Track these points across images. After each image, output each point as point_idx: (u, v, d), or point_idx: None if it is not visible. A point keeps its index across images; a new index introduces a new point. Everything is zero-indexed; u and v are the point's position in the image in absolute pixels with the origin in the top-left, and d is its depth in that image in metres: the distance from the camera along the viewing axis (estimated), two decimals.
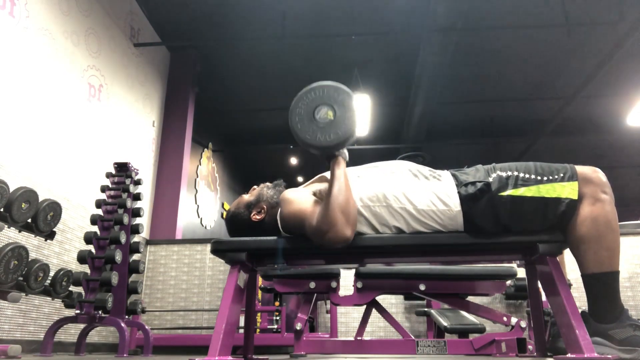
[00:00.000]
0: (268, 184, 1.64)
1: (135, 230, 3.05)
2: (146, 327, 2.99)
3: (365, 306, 2.46)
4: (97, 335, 3.76)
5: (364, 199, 1.39)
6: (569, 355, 1.17)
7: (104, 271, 2.71)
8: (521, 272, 2.18)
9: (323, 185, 1.45)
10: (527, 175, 1.34)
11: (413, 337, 2.24)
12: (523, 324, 2.02)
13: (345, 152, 1.41)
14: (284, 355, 2.97)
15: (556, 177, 1.32)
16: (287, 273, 2.09)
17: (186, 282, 4.43)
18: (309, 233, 1.34)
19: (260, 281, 3.03)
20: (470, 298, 2.23)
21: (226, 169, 8.12)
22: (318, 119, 1.31)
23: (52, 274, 2.54)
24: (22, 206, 2.23)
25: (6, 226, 2.17)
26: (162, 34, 5.34)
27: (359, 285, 2.12)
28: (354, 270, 2.14)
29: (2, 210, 2.16)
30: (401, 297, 4.13)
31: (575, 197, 1.29)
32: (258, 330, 3.74)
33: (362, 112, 5.86)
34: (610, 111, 6.97)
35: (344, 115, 1.30)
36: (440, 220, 1.36)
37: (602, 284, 1.26)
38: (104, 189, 3.00)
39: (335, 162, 1.36)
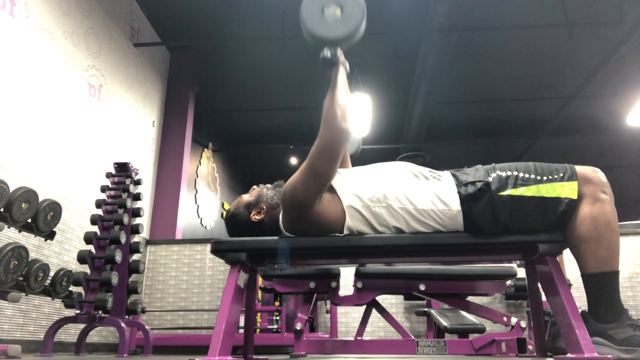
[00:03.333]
0: (268, 184, 1.64)
1: (135, 230, 3.05)
2: (146, 327, 2.99)
3: (365, 306, 2.46)
4: (97, 335, 3.76)
5: (364, 199, 1.39)
6: (569, 355, 1.17)
7: (104, 271, 2.71)
8: (521, 272, 2.18)
9: None
10: (526, 175, 1.34)
11: (413, 337, 2.24)
12: (523, 324, 2.02)
13: (347, 64, 1.46)
14: (284, 355, 2.97)
15: (556, 176, 1.32)
16: (287, 273, 2.09)
17: (186, 282, 4.43)
18: (311, 153, 1.36)
19: (260, 281, 3.03)
20: (470, 298, 2.23)
21: (226, 169, 8.12)
22: (326, 15, 1.36)
23: (52, 274, 2.54)
24: (22, 206, 2.23)
25: (6, 226, 2.17)
26: (162, 34, 5.34)
27: (359, 285, 2.12)
28: (354, 270, 2.14)
29: (2, 210, 2.16)
30: (401, 297, 4.13)
31: (574, 196, 1.29)
32: (258, 330, 3.74)
33: (362, 112, 5.86)
34: (610, 111, 6.96)
35: (351, 12, 1.35)
36: (440, 220, 1.36)
37: (602, 283, 1.26)
38: (104, 189, 3.00)
39: (336, 70, 1.43)
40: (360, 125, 6.24)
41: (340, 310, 4.04)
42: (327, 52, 1.41)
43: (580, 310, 1.23)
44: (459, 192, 1.35)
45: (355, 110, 5.76)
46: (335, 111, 1.34)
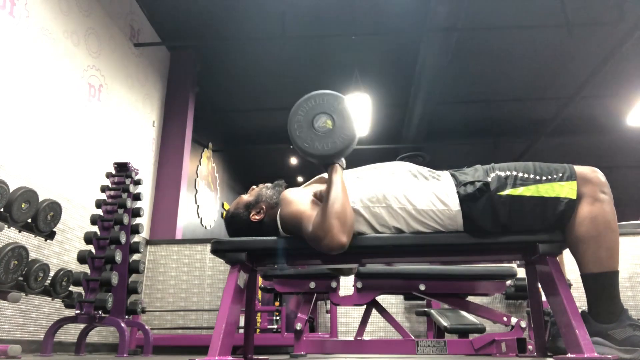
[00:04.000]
0: (268, 184, 1.64)
1: (135, 230, 3.05)
2: (146, 327, 2.99)
3: (365, 306, 2.46)
4: (97, 335, 3.76)
5: (363, 200, 1.39)
6: (569, 355, 1.17)
7: (104, 271, 2.71)
8: (521, 272, 2.18)
9: (323, 186, 1.45)
10: (525, 175, 1.34)
11: (413, 337, 2.24)
12: (523, 324, 2.02)
13: (343, 159, 1.40)
14: (284, 355, 2.97)
15: (555, 176, 1.32)
16: (287, 273, 2.09)
17: (186, 282, 4.43)
18: (305, 237, 1.34)
19: (260, 281, 3.03)
20: (470, 298, 2.23)
21: (226, 169, 8.12)
22: (317, 128, 1.31)
23: (52, 274, 2.54)
24: (22, 206, 2.23)
25: (6, 226, 2.17)
26: (162, 34, 5.34)
27: (359, 285, 2.12)
28: None
29: (2, 210, 2.16)
30: (401, 297, 4.13)
31: (574, 196, 1.29)
32: (258, 330, 3.74)
33: (362, 112, 5.86)
34: (610, 111, 6.96)
35: (342, 124, 1.31)
36: (440, 220, 1.36)
37: (602, 283, 1.26)
38: (104, 189, 3.00)
39: (332, 169, 1.36)
40: (361, 125, 6.25)
41: (340, 310, 4.04)
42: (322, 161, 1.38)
43: (580, 310, 1.23)
44: (458, 192, 1.35)
45: (357, 111, 5.75)
46: (333, 221, 1.25)
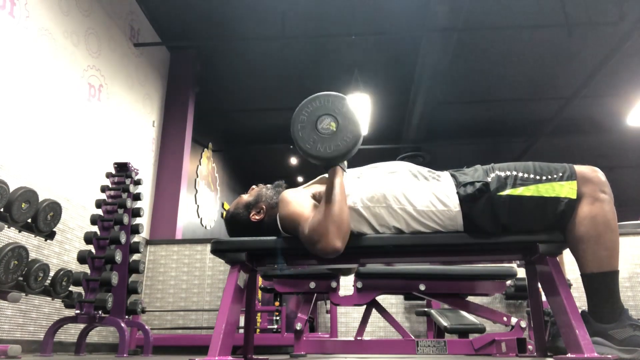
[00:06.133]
0: (268, 184, 1.64)
1: (135, 230, 3.05)
2: (146, 327, 2.99)
3: (365, 306, 2.46)
4: (97, 335, 3.76)
5: (363, 200, 1.39)
6: (569, 355, 1.17)
7: (104, 271, 2.71)
8: (521, 272, 2.18)
9: (323, 187, 1.45)
10: (525, 175, 1.34)
11: (413, 337, 2.24)
12: (523, 324, 2.02)
13: (345, 162, 1.39)
14: (284, 355, 2.97)
15: (555, 176, 1.32)
16: (287, 273, 2.09)
17: (186, 282, 4.43)
18: (301, 238, 1.34)
19: (260, 281, 3.03)
20: (470, 298, 2.23)
21: (226, 169, 8.12)
22: (320, 129, 1.30)
23: (52, 274, 2.54)
24: (22, 206, 2.23)
25: (6, 226, 2.17)
26: (162, 34, 5.34)
27: (359, 285, 2.12)
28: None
29: (2, 210, 2.16)
30: (401, 297, 4.13)
31: (574, 196, 1.29)
32: (258, 330, 3.74)
33: (362, 112, 5.86)
34: (610, 111, 6.96)
35: (346, 127, 1.29)
36: (440, 220, 1.36)
37: (602, 283, 1.26)
38: (104, 189, 3.00)
39: (333, 172, 1.34)
40: (363, 126, 6.24)
41: (340, 310, 4.04)
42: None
43: (580, 310, 1.23)
44: (458, 193, 1.35)
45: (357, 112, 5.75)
46: (329, 226, 1.25)
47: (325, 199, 1.30)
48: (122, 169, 3.11)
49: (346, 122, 1.29)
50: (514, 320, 2.05)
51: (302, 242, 1.33)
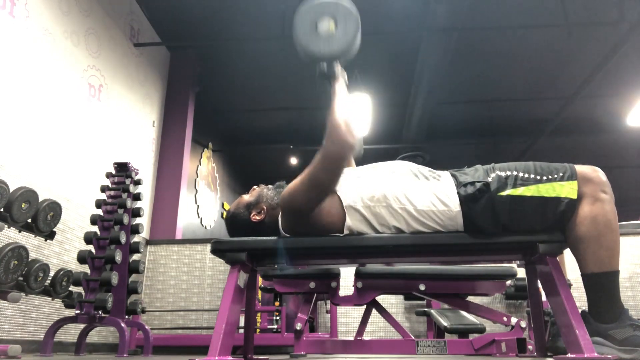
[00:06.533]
0: (269, 185, 1.64)
1: (135, 230, 3.05)
2: (146, 327, 2.99)
3: (365, 306, 2.46)
4: (97, 335, 3.76)
5: (364, 199, 1.39)
6: (569, 355, 1.17)
7: (104, 271, 2.71)
8: (521, 272, 2.18)
9: None
10: (526, 175, 1.34)
11: (413, 337, 2.24)
12: (523, 324, 2.02)
13: (345, 74, 1.44)
14: (284, 355, 2.97)
15: (555, 176, 1.32)
16: (287, 273, 2.09)
17: (186, 282, 4.43)
18: (313, 171, 1.34)
19: (260, 281, 3.03)
20: (470, 298, 2.23)
21: (226, 169, 8.12)
22: (320, 31, 1.34)
23: (52, 274, 2.54)
24: (22, 206, 2.23)
25: (6, 226, 2.17)
26: (162, 34, 5.34)
27: (359, 285, 2.12)
28: (354, 270, 2.14)
29: (2, 210, 2.16)
30: (401, 297, 4.13)
31: (574, 196, 1.29)
32: (258, 330, 3.74)
33: (362, 112, 5.86)
34: (610, 111, 6.96)
35: (345, 29, 1.33)
36: (440, 220, 1.36)
37: (602, 283, 1.26)
38: (104, 189, 3.00)
39: (335, 82, 1.40)
40: (361, 125, 6.25)
41: (340, 310, 4.04)
42: (324, 67, 1.40)
43: (580, 310, 1.23)
44: (458, 193, 1.35)
45: (357, 115, 5.75)
46: (339, 124, 1.30)
47: (332, 105, 1.35)
48: (122, 169, 3.11)
49: (345, 24, 1.33)
50: (514, 320, 2.04)
51: (314, 164, 1.33)
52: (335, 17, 1.33)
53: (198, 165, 6.70)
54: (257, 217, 1.54)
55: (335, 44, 1.33)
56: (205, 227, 6.86)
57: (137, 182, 3.12)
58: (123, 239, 2.80)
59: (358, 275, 2.12)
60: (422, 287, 2.05)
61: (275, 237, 1.44)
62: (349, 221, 1.39)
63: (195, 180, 6.54)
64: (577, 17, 4.91)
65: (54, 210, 2.46)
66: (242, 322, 2.49)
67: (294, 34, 1.35)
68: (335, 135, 1.30)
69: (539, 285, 1.45)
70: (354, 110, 1.33)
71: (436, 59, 5.25)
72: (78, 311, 2.61)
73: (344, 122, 1.31)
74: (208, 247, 4.45)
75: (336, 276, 2.09)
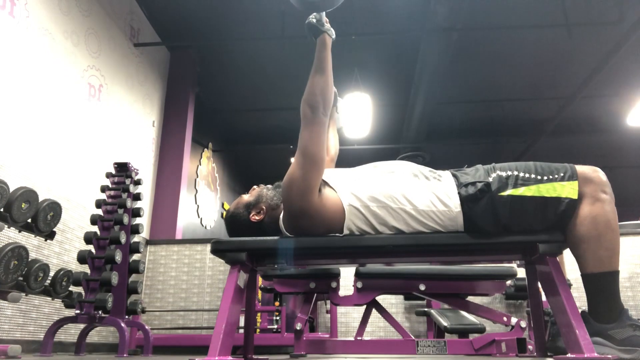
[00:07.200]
0: (268, 185, 1.64)
1: (135, 230, 3.05)
2: (146, 327, 2.99)
3: (365, 306, 2.46)
4: (97, 335, 3.76)
5: (363, 199, 1.39)
6: (569, 355, 1.17)
7: (104, 271, 2.71)
8: (521, 272, 2.18)
9: None
10: (527, 175, 1.34)
11: (413, 337, 2.24)
12: (523, 324, 2.02)
13: (333, 31, 1.46)
14: (284, 355, 2.97)
15: (556, 176, 1.32)
16: (287, 273, 2.09)
17: (186, 282, 4.43)
18: (299, 145, 1.40)
19: (260, 281, 3.03)
20: (470, 298, 2.23)
21: (226, 169, 8.12)
22: None
23: (52, 274, 2.54)
24: (22, 206, 2.23)
25: (6, 226, 2.17)
26: (162, 34, 5.34)
27: (359, 285, 2.12)
28: (354, 270, 2.14)
29: (2, 210, 2.16)
30: (401, 297, 4.13)
31: (575, 196, 1.29)
32: (258, 330, 3.74)
33: (362, 112, 5.86)
34: (610, 111, 6.96)
35: None
36: (440, 220, 1.36)
37: (602, 283, 1.26)
38: (104, 189, 3.00)
39: (321, 41, 1.44)
40: (361, 126, 6.25)
41: (340, 310, 4.03)
42: (312, 19, 1.44)
43: (580, 310, 1.23)
44: (459, 193, 1.35)
45: (350, 108, 5.75)
46: (317, 100, 1.37)
47: (314, 69, 1.41)
48: (122, 169, 3.11)
49: None
50: (514, 320, 2.05)
51: (302, 141, 1.39)
52: None
53: (198, 165, 6.70)
54: (257, 217, 1.54)
55: None
56: (205, 227, 6.85)
57: (137, 182, 3.12)
58: (123, 239, 2.80)
59: (358, 275, 2.12)
60: (422, 287, 2.06)
61: (275, 237, 1.44)
62: (348, 221, 1.38)
63: (195, 180, 6.54)
64: (577, 17, 4.91)
65: (54, 210, 2.46)
66: (242, 322, 2.49)
67: None
68: (310, 98, 1.38)
69: (539, 285, 1.45)
70: (330, 79, 1.37)
71: (436, 59, 5.25)
72: (78, 311, 2.61)
73: (323, 97, 1.38)
74: (208, 247, 4.45)
75: (336, 276, 2.09)
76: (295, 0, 1.39)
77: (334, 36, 1.46)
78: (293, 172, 1.39)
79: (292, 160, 1.42)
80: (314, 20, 1.43)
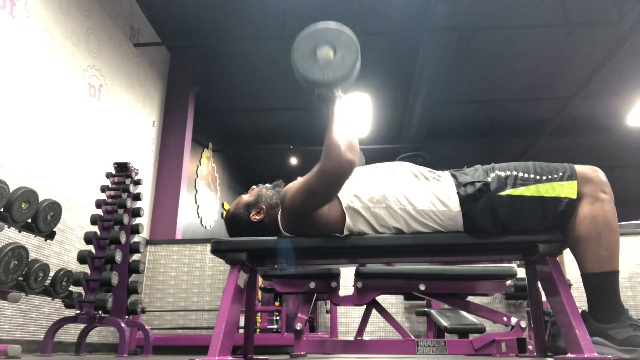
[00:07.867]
0: (267, 184, 1.64)
1: (135, 230, 3.05)
2: (146, 327, 2.99)
3: (365, 306, 2.46)
4: (97, 335, 3.76)
5: (363, 200, 1.39)
6: (569, 355, 1.17)
7: (104, 271, 2.71)
8: (521, 272, 2.18)
9: None
10: (526, 175, 1.34)
11: (413, 337, 2.24)
12: (523, 324, 2.02)
13: (344, 97, 1.42)
14: (284, 355, 2.97)
15: (555, 176, 1.32)
16: (287, 273, 2.09)
17: (186, 282, 4.43)
18: (312, 179, 1.31)
19: (260, 281, 3.03)
20: (470, 298, 2.23)
21: (226, 169, 8.12)
22: (319, 57, 1.34)
23: (52, 274, 2.54)
24: (22, 206, 2.23)
25: (6, 226, 2.17)
26: (162, 34, 5.34)
27: (359, 285, 2.12)
28: (354, 270, 2.14)
29: (2, 210, 2.16)
30: (401, 297, 4.13)
31: (574, 196, 1.29)
32: (258, 330, 3.74)
33: (362, 112, 5.86)
34: (610, 111, 6.96)
35: (344, 57, 1.32)
36: (440, 221, 1.36)
37: (602, 283, 1.26)
38: (104, 189, 3.00)
39: (333, 104, 1.38)
40: (361, 126, 6.25)
41: (340, 310, 4.03)
42: (322, 92, 1.40)
43: (580, 310, 1.23)
44: (458, 193, 1.35)
45: (356, 113, 5.75)
46: (338, 143, 1.27)
47: (331, 124, 1.32)
48: (122, 169, 3.11)
49: (344, 51, 1.32)
50: (514, 320, 2.05)
51: (313, 176, 1.31)
52: (335, 44, 1.32)
53: (198, 165, 6.70)
54: (257, 217, 1.54)
55: (332, 71, 1.31)
56: (205, 227, 6.86)
57: (137, 182, 3.12)
58: (123, 239, 2.80)
59: (358, 275, 2.12)
60: (422, 287, 2.06)
61: (275, 237, 1.44)
62: (348, 222, 1.39)
63: (195, 180, 6.54)
64: (577, 17, 4.91)
65: (54, 210, 2.46)
66: (242, 322, 2.49)
67: (292, 57, 1.35)
68: (334, 154, 1.26)
69: (539, 285, 1.45)
70: (355, 130, 1.32)
71: (436, 59, 5.25)
72: (78, 311, 2.61)
73: (344, 141, 1.28)
74: (208, 247, 4.45)
75: (336, 276, 2.10)
76: (303, 81, 1.35)
77: (346, 103, 1.42)
78: (294, 196, 1.35)
79: (299, 179, 1.38)
80: (322, 94, 1.40)
